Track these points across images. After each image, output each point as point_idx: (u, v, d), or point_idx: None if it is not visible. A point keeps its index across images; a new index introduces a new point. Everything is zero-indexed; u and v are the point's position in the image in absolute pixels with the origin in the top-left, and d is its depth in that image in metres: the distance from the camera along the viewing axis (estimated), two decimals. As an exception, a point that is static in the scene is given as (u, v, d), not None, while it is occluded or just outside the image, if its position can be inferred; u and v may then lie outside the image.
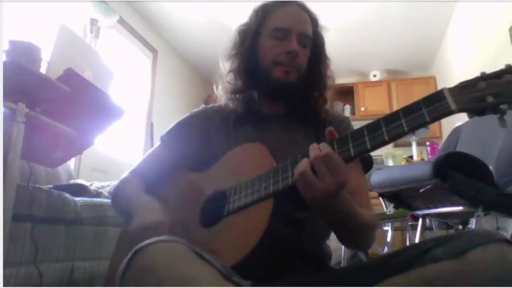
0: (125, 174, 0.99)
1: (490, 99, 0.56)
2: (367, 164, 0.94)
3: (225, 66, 0.99)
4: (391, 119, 0.61)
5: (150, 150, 1.04)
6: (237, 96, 0.95)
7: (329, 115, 0.97)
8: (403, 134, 0.59)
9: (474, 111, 0.57)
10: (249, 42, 0.94)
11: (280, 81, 0.90)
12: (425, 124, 0.58)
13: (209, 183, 0.85)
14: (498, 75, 0.57)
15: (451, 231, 2.71)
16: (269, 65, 0.91)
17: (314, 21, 0.97)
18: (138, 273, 0.53)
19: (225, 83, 0.98)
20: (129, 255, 0.56)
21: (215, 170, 0.88)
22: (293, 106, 0.95)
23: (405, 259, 0.60)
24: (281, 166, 0.71)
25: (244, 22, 1.00)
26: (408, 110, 0.60)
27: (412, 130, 0.59)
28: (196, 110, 1.06)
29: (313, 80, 0.95)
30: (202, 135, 0.97)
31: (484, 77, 0.57)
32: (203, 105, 1.08)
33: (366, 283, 0.61)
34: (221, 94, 0.99)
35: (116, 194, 0.98)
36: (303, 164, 0.63)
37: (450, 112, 0.56)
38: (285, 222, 0.77)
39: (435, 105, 0.58)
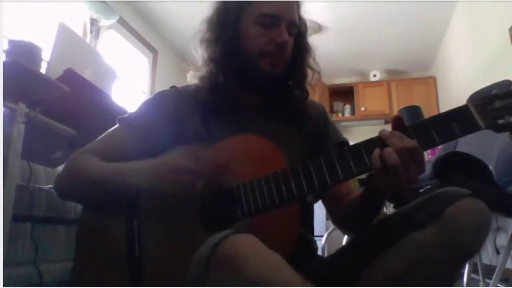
0: (77, 154, 0.81)
1: (508, 118, 0.62)
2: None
3: (198, 50, 0.89)
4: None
5: (109, 131, 0.86)
6: (215, 85, 0.85)
7: (307, 105, 0.93)
8: (435, 144, 0.64)
9: (495, 128, 0.63)
10: (231, 27, 0.83)
11: (267, 73, 0.82)
12: (455, 138, 0.64)
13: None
14: (510, 93, 0.63)
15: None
16: (255, 56, 0.82)
17: (298, 4, 0.88)
18: (228, 261, 0.52)
19: (202, 71, 0.87)
20: (209, 247, 0.54)
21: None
22: (272, 96, 0.89)
23: (392, 230, 0.66)
24: (302, 167, 0.67)
25: None
26: (438, 123, 0.64)
27: (443, 142, 0.64)
28: (166, 90, 0.93)
29: (295, 70, 0.88)
30: (175, 120, 0.86)
31: (499, 96, 0.64)
32: (174, 85, 0.95)
33: (363, 260, 0.66)
34: (196, 81, 0.89)
35: (75, 170, 0.78)
36: (394, 155, 0.61)
37: (478, 129, 0.62)
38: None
39: (464, 121, 0.63)
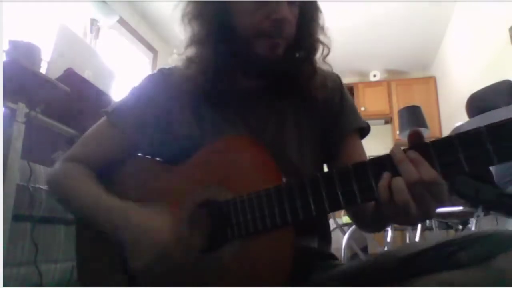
0: (61, 162, 0.76)
1: None
2: (365, 131, 0.82)
3: (181, 26, 0.75)
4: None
5: (96, 131, 0.79)
6: (208, 74, 0.72)
7: (320, 80, 0.77)
8: (462, 172, 0.49)
9: None
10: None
11: (264, 58, 0.68)
12: (490, 165, 0.47)
13: (190, 186, 0.66)
14: None
15: (452, 232, 2.71)
16: (249, 37, 0.68)
17: None
18: None
19: (189, 55, 0.75)
20: None
21: (194, 167, 0.67)
22: (275, 78, 0.75)
23: (426, 262, 0.56)
24: (298, 186, 0.58)
25: None
26: (470, 142, 0.47)
27: (473, 170, 0.48)
28: (155, 77, 0.82)
29: (300, 43, 0.73)
30: (163, 111, 0.76)
31: None
32: (160, 68, 0.83)
33: (386, 283, 0.58)
34: (185, 65, 0.76)
35: (60, 189, 0.75)
36: (404, 191, 0.49)
37: None
38: (301, 230, 0.68)
39: (507, 142, 0.46)
